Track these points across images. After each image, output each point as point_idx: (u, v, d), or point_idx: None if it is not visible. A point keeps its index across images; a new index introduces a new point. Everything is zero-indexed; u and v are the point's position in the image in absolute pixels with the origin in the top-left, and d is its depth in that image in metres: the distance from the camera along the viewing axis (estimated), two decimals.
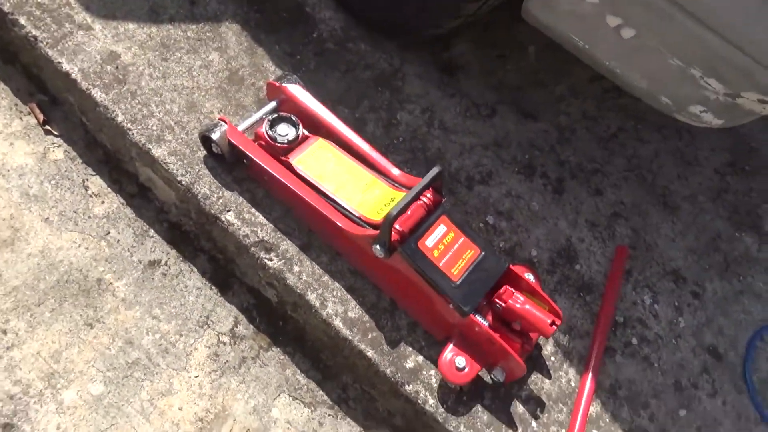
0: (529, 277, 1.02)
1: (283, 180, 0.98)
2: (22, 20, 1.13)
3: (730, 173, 1.52)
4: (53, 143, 1.21)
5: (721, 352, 1.22)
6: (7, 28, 1.16)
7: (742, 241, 1.42)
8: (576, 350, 1.10)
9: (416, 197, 0.88)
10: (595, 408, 1.05)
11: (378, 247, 0.90)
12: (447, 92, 1.36)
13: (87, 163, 1.21)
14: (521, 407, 1.01)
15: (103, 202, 1.18)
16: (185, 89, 1.16)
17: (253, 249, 1.02)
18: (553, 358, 1.08)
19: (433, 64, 1.40)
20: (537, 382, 1.05)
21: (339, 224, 0.95)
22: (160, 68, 1.17)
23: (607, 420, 1.05)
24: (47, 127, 1.22)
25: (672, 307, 1.24)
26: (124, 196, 1.20)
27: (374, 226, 0.95)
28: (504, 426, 0.99)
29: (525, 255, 1.20)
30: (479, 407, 0.99)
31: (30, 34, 1.13)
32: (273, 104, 1.12)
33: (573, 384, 1.06)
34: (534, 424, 1.00)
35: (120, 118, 1.08)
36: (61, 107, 1.24)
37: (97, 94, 1.09)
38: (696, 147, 1.52)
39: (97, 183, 1.19)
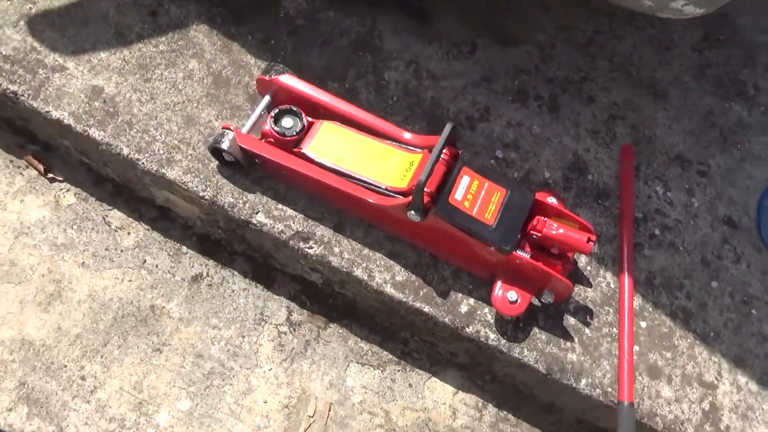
0: (552, 200, 1.08)
1: (304, 172, 1.01)
2: None
3: (707, 47, 1.55)
4: (61, 189, 1.22)
5: (735, 220, 1.30)
6: None
7: (733, 110, 1.47)
8: (608, 254, 1.17)
9: (438, 158, 0.92)
10: (637, 302, 1.13)
11: (413, 212, 0.95)
12: (425, 40, 1.37)
13: (101, 200, 1.23)
14: (572, 319, 1.09)
15: (129, 234, 1.20)
16: (177, 105, 1.16)
17: (291, 242, 1.07)
18: (589, 268, 1.15)
19: (404, 15, 1.39)
20: (580, 293, 1.12)
21: (370, 200, 0.98)
22: (146, 90, 1.16)
23: (650, 309, 1.13)
24: (50, 175, 1.22)
25: (683, 190, 1.31)
26: (147, 222, 1.22)
27: (402, 193, 0.99)
28: (561, 340, 1.07)
29: (539, 179, 1.24)
30: (536, 329, 1.06)
31: (8, 91, 1.12)
32: (267, 98, 1.13)
33: (612, 286, 1.14)
34: (587, 330, 1.09)
35: (126, 151, 1.09)
36: (57, 152, 1.25)
37: (95, 133, 1.10)
38: (669, 30, 1.55)
39: (117, 216, 1.22)
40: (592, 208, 1.23)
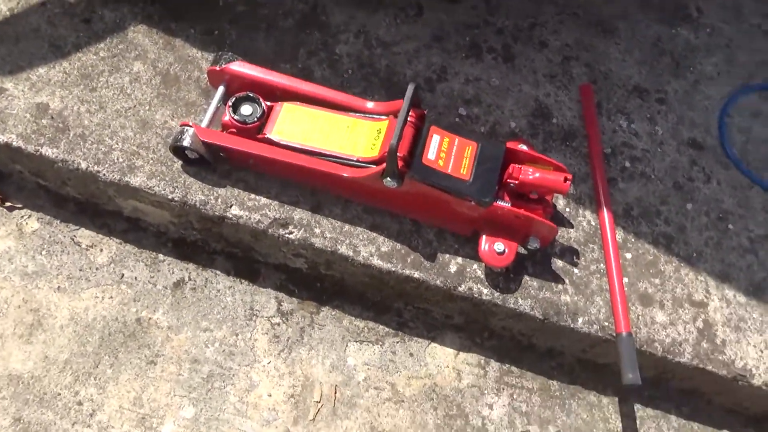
0: (523, 147, 1.07)
1: (273, 157, 0.98)
2: None
3: None
4: (22, 216, 1.17)
5: (700, 141, 1.32)
6: None
7: (680, 35, 1.49)
8: (584, 193, 1.18)
9: (405, 121, 0.91)
10: (619, 235, 1.15)
11: (389, 179, 0.93)
12: (370, 8, 1.34)
13: (65, 221, 1.18)
14: (560, 261, 1.10)
15: (101, 250, 1.17)
16: (129, 110, 1.12)
17: (270, 231, 1.05)
18: (568, 209, 1.16)
19: None
20: (563, 234, 1.13)
21: (344, 175, 0.97)
22: (94, 100, 1.12)
23: (633, 240, 1.15)
24: (8, 204, 1.17)
25: (646, 120, 1.33)
26: (118, 235, 1.18)
27: (374, 162, 0.98)
28: (553, 284, 1.08)
29: (506, 130, 1.24)
30: (526, 277, 1.07)
31: None
32: (221, 89, 1.10)
33: (593, 223, 1.15)
34: (576, 270, 1.10)
35: (84, 165, 1.05)
36: (10, 179, 1.19)
37: (48, 151, 1.05)
38: None
39: (85, 235, 1.18)
40: (561, 151, 1.24)
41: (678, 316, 1.10)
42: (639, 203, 1.20)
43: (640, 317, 1.09)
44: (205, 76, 1.17)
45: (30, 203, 1.18)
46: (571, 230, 1.14)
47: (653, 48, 1.44)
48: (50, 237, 1.16)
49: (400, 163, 0.93)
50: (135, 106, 1.13)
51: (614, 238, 1.11)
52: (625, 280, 1.10)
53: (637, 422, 1.19)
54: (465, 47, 1.35)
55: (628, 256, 1.14)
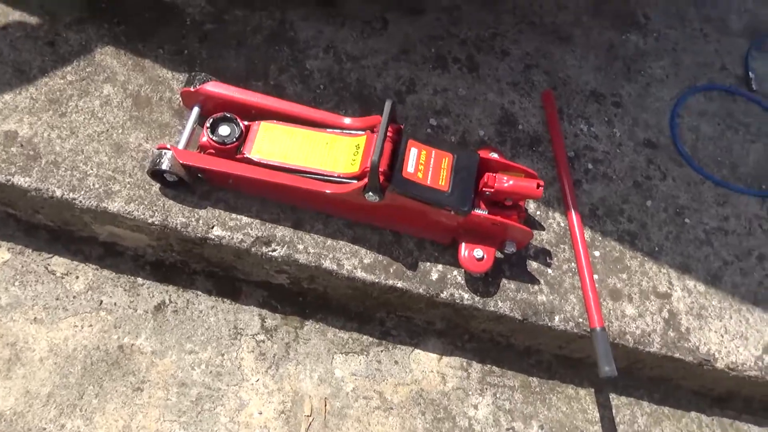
0: (494, 155, 1.12)
1: (254, 176, 0.99)
2: None
3: None
4: None
5: (654, 141, 1.40)
6: None
7: (630, 40, 1.57)
8: (552, 196, 1.24)
9: (385, 136, 0.93)
10: (587, 234, 1.21)
11: (371, 194, 0.96)
12: (337, 23, 1.37)
13: (38, 250, 1.16)
14: (534, 263, 1.15)
15: (77, 278, 1.15)
16: (102, 134, 1.11)
17: (253, 249, 1.05)
18: (538, 212, 1.21)
19: (309, 2, 1.38)
20: (536, 237, 1.18)
21: (327, 191, 0.99)
22: (65, 126, 1.10)
23: (600, 238, 1.22)
24: None
25: (604, 123, 1.40)
26: (94, 261, 1.17)
27: (356, 177, 1.00)
28: (529, 285, 1.13)
29: (475, 138, 1.29)
30: (504, 280, 1.12)
31: None
32: (196, 110, 1.10)
33: (563, 224, 1.21)
34: (549, 270, 1.15)
35: (59, 193, 1.03)
36: None
37: (20, 180, 1.03)
38: None
39: (60, 263, 1.16)
40: (529, 156, 1.29)
41: (645, 308, 1.16)
42: (603, 203, 1.26)
43: (611, 311, 1.15)
44: (178, 96, 1.17)
45: (0, 234, 1.15)
46: (543, 232, 1.19)
47: (607, 53, 1.52)
48: (23, 267, 1.13)
49: (381, 178, 0.96)
50: (108, 130, 1.12)
51: (583, 238, 1.17)
52: (596, 276, 1.16)
53: (613, 411, 1.25)
54: (431, 59, 1.39)
55: (597, 253, 1.20)
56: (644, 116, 1.44)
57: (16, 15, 1.20)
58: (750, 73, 1.57)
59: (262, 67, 1.26)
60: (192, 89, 1.08)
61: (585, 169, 1.30)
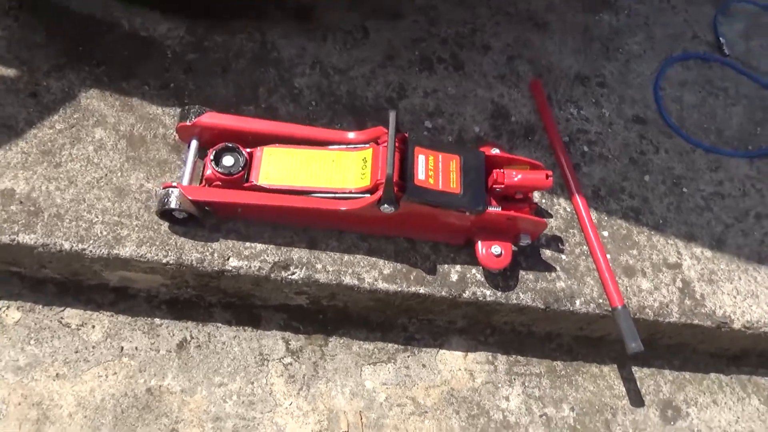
0: (495, 150, 1.13)
1: (268, 204, 0.99)
2: None
3: None
4: (0, 309, 1.12)
5: (642, 116, 1.43)
6: None
7: (603, 20, 1.60)
8: (555, 183, 1.25)
9: (394, 148, 0.94)
10: (593, 215, 1.23)
11: (386, 206, 0.96)
12: (318, 37, 1.36)
13: (48, 305, 1.13)
14: (548, 251, 1.17)
15: (93, 327, 1.13)
16: (101, 180, 1.09)
17: (272, 275, 1.05)
18: (543, 200, 1.23)
19: (288, 18, 1.38)
20: None
21: (342, 208, 0.99)
22: (62, 176, 1.08)
23: (606, 218, 1.24)
24: None
25: (592, 105, 1.42)
26: (107, 308, 1.15)
27: (368, 191, 1.00)
28: (546, 273, 1.14)
29: (471, 135, 1.30)
30: (522, 272, 1.13)
31: None
32: (194, 143, 1.09)
33: (568, 209, 1.23)
34: (563, 256, 1.17)
35: (67, 246, 1.02)
36: None
37: (26, 238, 1.01)
38: None
39: (73, 314, 1.13)
40: (525, 146, 1.31)
41: (660, 280, 1.19)
42: (604, 183, 1.29)
43: (628, 288, 1.17)
44: (172, 131, 1.16)
45: (5, 293, 1.12)
46: (551, 219, 1.21)
47: (583, 36, 1.55)
48: (36, 324, 1.11)
49: (395, 188, 0.96)
50: (106, 175, 1.10)
51: (591, 221, 1.19)
52: (608, 256, 1.18)
53: (638, 383, 1.28)
54: (416, 62, 1.39)
55: (605, 233, 1.22)
56: (629, 93, 1.47)
57: None
58: (720, 39, 1.61)
59: (251, 91, 1.25)
60: (188, 123, 1.07)
61: (581, 152, 1.33)
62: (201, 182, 1.07)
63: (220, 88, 1.24)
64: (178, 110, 1.18)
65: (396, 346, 1.21)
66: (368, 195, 0.99)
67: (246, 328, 1.17)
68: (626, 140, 1.37)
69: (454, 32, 1.46)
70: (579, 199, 1.20)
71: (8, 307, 1.12)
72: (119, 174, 1.10)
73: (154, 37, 1.28)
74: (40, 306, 1.13)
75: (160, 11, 1.29)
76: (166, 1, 1.29)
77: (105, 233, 1.04)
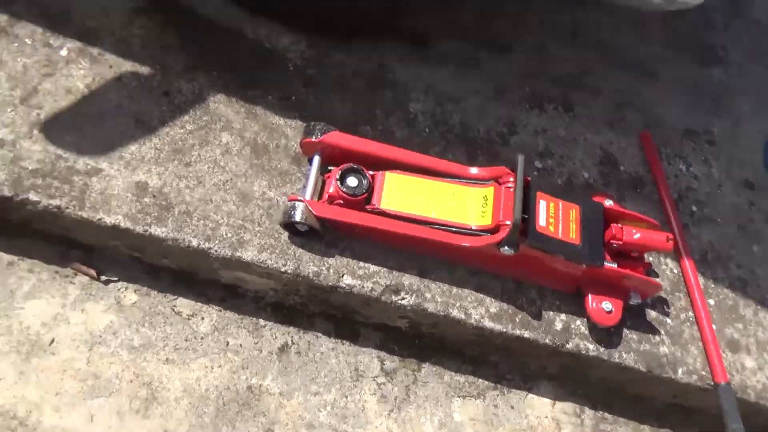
0: (609, 202, 1.13)
1: (390, 229, 1.02)
2: (33, 196, 1.05)
3: (672, 16, 1.64)
4: (119, 289, 1.17)
5: (751, 180, 1.41)
6: (16, 209, 1.08)
7: (713, 75, 1.58)
8: None
9: (522, 194, 0.95)
10: (700, 281, 1.21)
11: (506, 248, 0.98)
12: (432, 63, 1.38)
13: (163, 292, 1.18)
14: (653, 312, 1.16)
15: (203, 319, 1.17)
16: (227, 183, 1.14)
17: (383, 298, 1.07)
18: (651, 259, 1.22)
19: (403, 43, 1.40)
20: None
21: (465, 244, 1.01)
22: (191, 175, 1.13)
23: (713, 285, 1.22)
24: (103, 278, 1.17)
25: (701, 162, 1.40)
26: (217, 303, 1.19)
27: (489, 230, 1.02)
28: (650, 335, 1.13)
29: (580, 180, 1.30)
30: (626, 331, 1.13)
31: (51, 206, 1.06)
32: (317, 159, 1.13)
33: (675, 271, 1.21)
34: (668, 320, 1.16)
35: (195, 243, 1.06)
36: (101, 253, 1.19)
37: (158, 230, 1.06)
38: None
39: (184, 304, 1.18)
40: (633, 199, 1.30)
41: (764, 360, 1.17)
42: (712, 247, 1.27)
43: (731, 364, 1.15)
44: (293, 143, 1.20)
45: (125, 276, 1.18)
46: (658, 280, 1.20)
47: (692, 89, 1.53)
48: (150, 308, 1.16)
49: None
50: (232, 179, 1.14)
51: (699, 287, 1.18)
52: (714, 327, 1.17)
53: None
54: (527, 98, 1.40)
55: (711, 302, 1.20)
56: (738, 153, 1.44)
57: (128, 66, 1.23)
58: None
59: (368, 112, 1.28)
60: (314, 139, 1.10)
61: (690, 212, 1.31)
62: (320, 197, 1.10)
63: (338, 105, 1.27)
64: (299, 122, 1.22)
65: (486, 382, 1.21)
66: (488, 234, 1.01)
67: (344, 341, 1.20)
68: (735, 205, 1.35)
69: (565, 72, 1.47)
70: (688, 263, 1.19)
71: (127, 289, 1.17)
72: (243, 179, 1.15)
73: (277, 48, 1.32)
74: (156, 292, 1.18)
75: (283, 24, 1.34)
76: (291, 16, 1.33)
77: (229, 235, 1.08)
